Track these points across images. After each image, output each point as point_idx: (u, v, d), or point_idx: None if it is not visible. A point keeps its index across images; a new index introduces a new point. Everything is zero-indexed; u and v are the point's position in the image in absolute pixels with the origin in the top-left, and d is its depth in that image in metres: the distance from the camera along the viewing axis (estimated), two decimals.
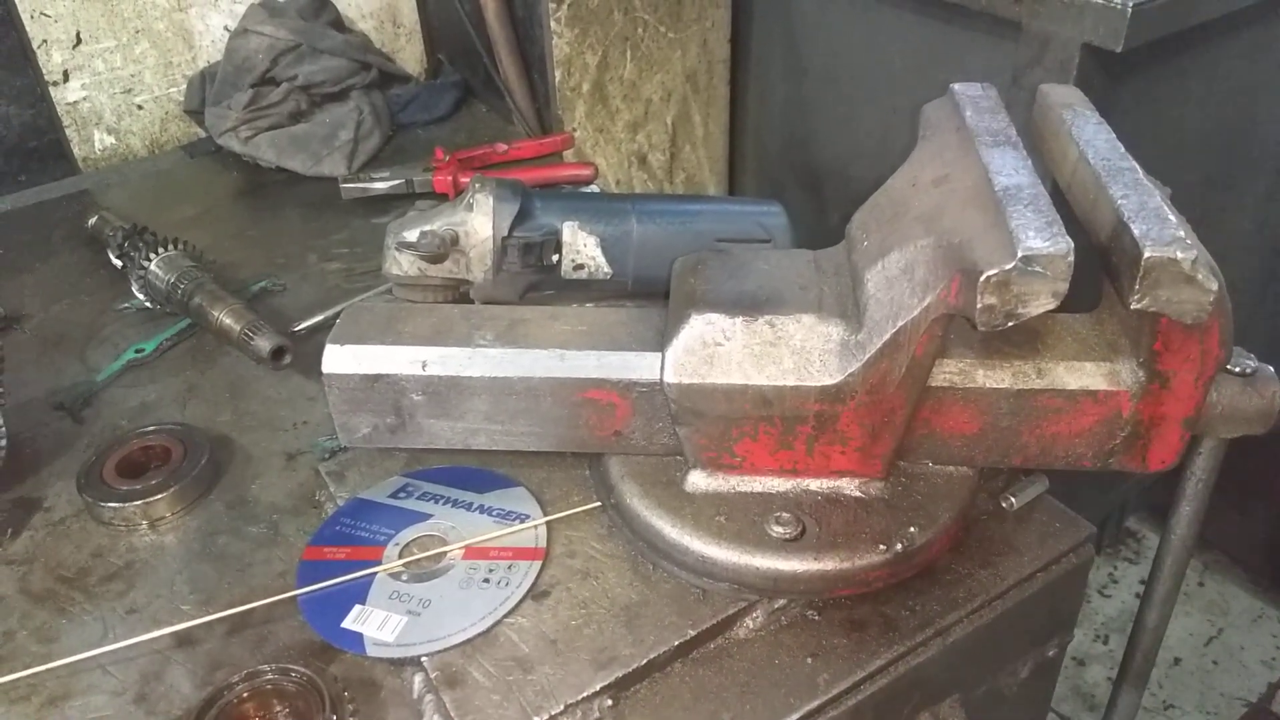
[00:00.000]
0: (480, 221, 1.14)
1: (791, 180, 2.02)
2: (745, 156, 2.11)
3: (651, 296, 0.98)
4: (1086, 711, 2.21)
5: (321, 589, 0.89)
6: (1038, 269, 0.67)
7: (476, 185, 1.17)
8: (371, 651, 0.84)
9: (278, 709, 0.81)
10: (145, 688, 0.86)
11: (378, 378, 0.92)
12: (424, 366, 0.92)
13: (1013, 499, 0.97)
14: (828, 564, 0.86)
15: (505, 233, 1.14)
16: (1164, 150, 1.66)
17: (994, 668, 0.98)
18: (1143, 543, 2.48)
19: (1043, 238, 0.68)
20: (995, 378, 0.86)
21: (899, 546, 0.87)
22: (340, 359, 0.93)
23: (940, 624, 0.88)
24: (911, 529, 0.88)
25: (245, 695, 0.81)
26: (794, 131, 1.97)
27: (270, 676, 0.81)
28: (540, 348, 0.92)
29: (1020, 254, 0.67)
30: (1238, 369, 0.87)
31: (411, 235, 1.14)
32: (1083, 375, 0.85)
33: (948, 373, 0.86)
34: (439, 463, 1.03)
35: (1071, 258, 0.68)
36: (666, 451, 0.95)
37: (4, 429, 1.07)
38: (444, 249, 1.13)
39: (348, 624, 0.86)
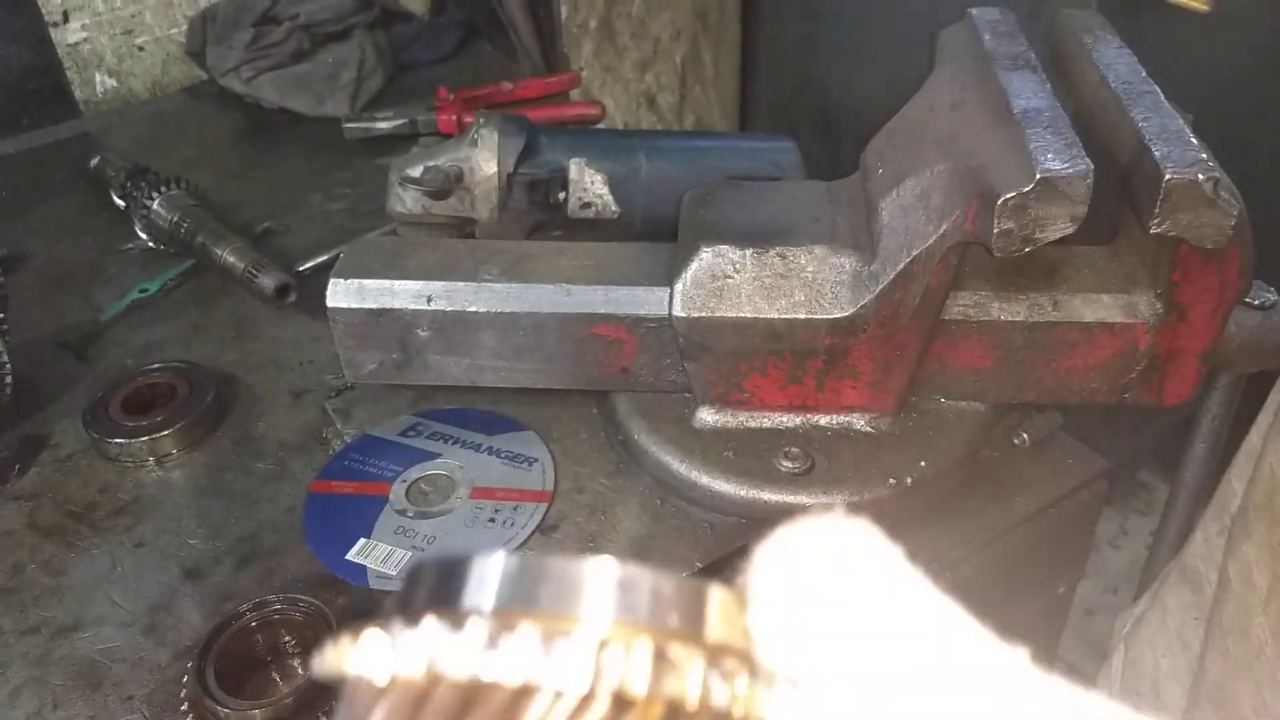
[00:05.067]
0: (485, 157, 1.13)
1: (805, 121, 1.98)
2: (757, 98, 2.07)
3: (661, 236, 0.96)
4: (1094, 660, 2.22)
5: (328, 522, 0.89)
6: (1057, 191, 0.65)
7: (481, 120, 1.15)
8: (374, 584, 0.84)
9: (285, 638, 0.82)
10: (154, 618, 0.86)
11: (383, 312, 0.91)
12: (429, 301, 0.91)
13: (1025, 435, 0.96)
14: (836, 498, 0.85)
15: (510, 170, 1.12)
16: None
17: (1002, 605, 0.98)
18: (1154, 494, 2.48)
19: (1062, 159, 0.67)
20: (1010, 310, 0.84)
21: (908, 481, 0.86)
22: (345, 293, 0.92)
23: (949, 558, 0.87)
24: (921, 463, 0.87)
25: (254, 625, 0.81)
26: (807, 71, 1.93)
27: (278, 607, 0.81)
28: (546, 282, 0.91)
29: (1039, 175, 0.65)
30: (1257, 301, 0.85)
31: (415, 171, 1.12)
32: (1099, 307, 0.83)
33: (962, 305, 0.85)
34: (448, 403, 1.02)
35: (1091, 179, 0.66)
36: (675, 388, 0.94)
37: (9, 366, 1.06)
38: (448, 185, 1.12)
39: (352, 556, 0.86)
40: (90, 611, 0.88)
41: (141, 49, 1.79)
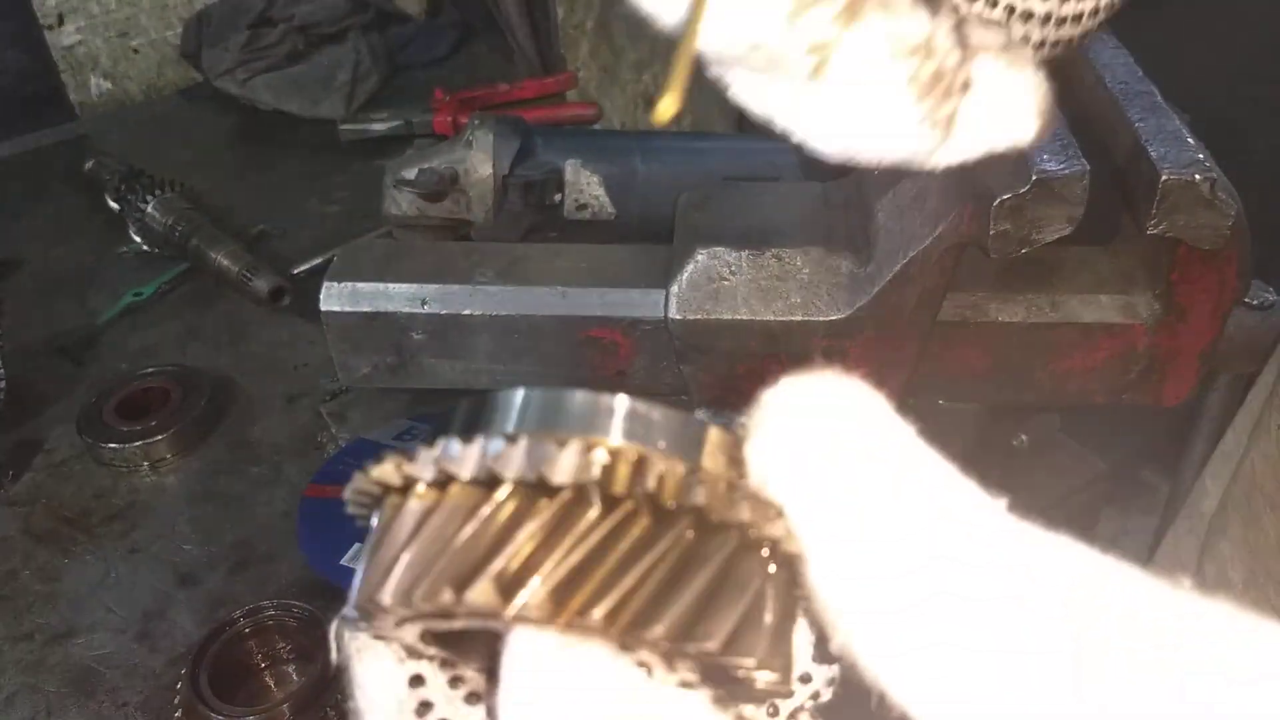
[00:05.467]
0: (480, 159, 1.12)
1: None
2: None
3: (658, 238, 0.95)
4: None
5: (322, 527, 0.89)
6: (1053, 192, 0.65)
7: (476, 122, 1.14)
8: None
9: (280, 645, 0.81)
10: (148, 625, 0.86)
11: (377, 316, 0.91)
12: (424, 304, 0.90)
13: (1024, 437, 0.95)
14: None
15: (506, 171, 1.12)
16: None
17: None
18: (1156, 495, 2.47)
19: (1058, 160, 0.66)
20: (1008, 311, 0.83)
21: None
22: (338, 297, 0.91)
23: None
24: None
25: (247, 632, 0.80)
26: None
27: (272, 613, 0.81)
28: (542, 285, 0.90)
29: (1035, 176, 0.65)
30: (1256, 302, 0.85)
31: (410, 173, 1.12)
32: (1097, 308, 0.82)
33: (959, 306, 0.84)
34: (444, 407, 1.01)
35: (1087, 180, 0.65)
36: (671, 391, 0.93)
37: (2, 371, 1.06)
38: (443, 187, 1.11)
39: (346, 561, 0.86)
40: (84, 618, 0.88)
41: (136, 51, 1.78)
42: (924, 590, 0.25)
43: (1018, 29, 0.34)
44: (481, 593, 0.24)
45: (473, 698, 0.30)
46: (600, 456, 0.26)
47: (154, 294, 1.24)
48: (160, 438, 1.00)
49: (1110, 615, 0.24)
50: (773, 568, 0.27)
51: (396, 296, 0.93)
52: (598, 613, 0.24)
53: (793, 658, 0.29)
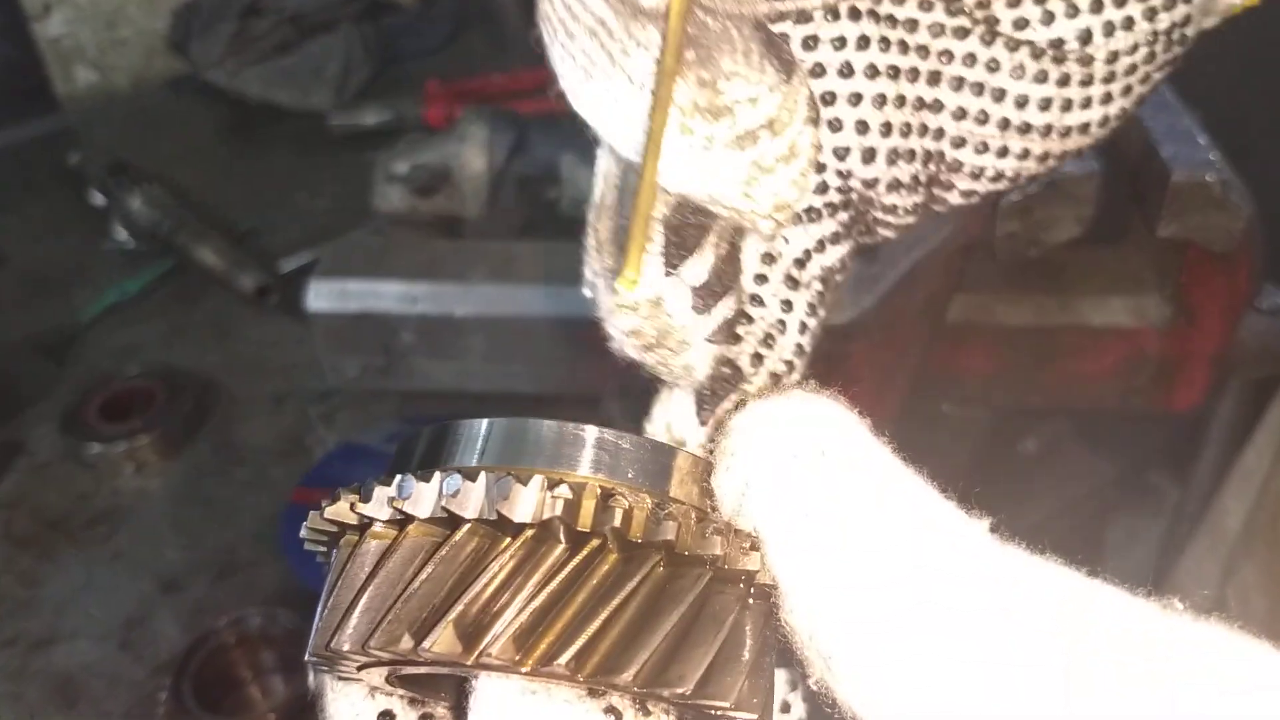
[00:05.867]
0: (473, 153, 1.10)
1: None
2: None
3: None
4: None
5: None
6: (1062, 192, 0.63)
7: (470, 116, 1.12)
8: None
9: (265, 655, 0.79)
10: (131, 633, 0.84)
11: (365, 315, 0.89)
12: (414, 303, 0.88)
13: (1031, 442, 0.93)
14: None
15: (500, 166, 1.10)
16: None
17: None
18: (1164, 498, 2.45)
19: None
20: (1016, 313, 0.82)
21: None
22: (326, 296, 0.90)
23: None
24: (924, 471, 0.85)
25: (232, 642, 0.78)
26: None
27: (257, 622, 0.79)
28: (536, 284, 0.88)
29: None
30: (1266, 306, 0.83)
31: (401, 168, 1.09)
32: (1106, 311, 0.81)
33: (965, 308, 0.82)
34: (434, 409, 0.99)
35: (1097, 180, 0.64)
36: None
37: None
38: (435, 182, 1.09)
39: None
40: (66, 624, 0.86)
41: (124, 42, 1.75)
42: (908, 601, 0.24)
43: (1014, 142, 0.34)
44: (442, 640, 0.24)
45: None
46: (563, 492, 0.25)
47: (139, 291, 1.21)
48: (144, 440, 0.98)
49: (1100, 629, 0.23)
50: (750, 601, 0.26)
51: (386, 296, 0.91)
52: (564, 658, 0.24)
53: (771, 693, 0.28)
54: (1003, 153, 0.35)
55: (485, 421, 0.27)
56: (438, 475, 0.25)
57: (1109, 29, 0.33)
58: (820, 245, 0.33)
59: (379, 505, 0.25)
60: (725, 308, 0.30)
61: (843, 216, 0.36)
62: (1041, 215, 0.64)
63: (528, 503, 0.24)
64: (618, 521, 0.25)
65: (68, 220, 1.40)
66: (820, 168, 0.34)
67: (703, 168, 0.28)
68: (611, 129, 0.30)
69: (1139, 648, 0.23)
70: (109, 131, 1.63)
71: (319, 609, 0.26)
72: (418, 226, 1.13)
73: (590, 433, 0.26)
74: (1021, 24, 0.33)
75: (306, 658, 0.27)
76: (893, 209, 0.36)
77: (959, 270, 0.77)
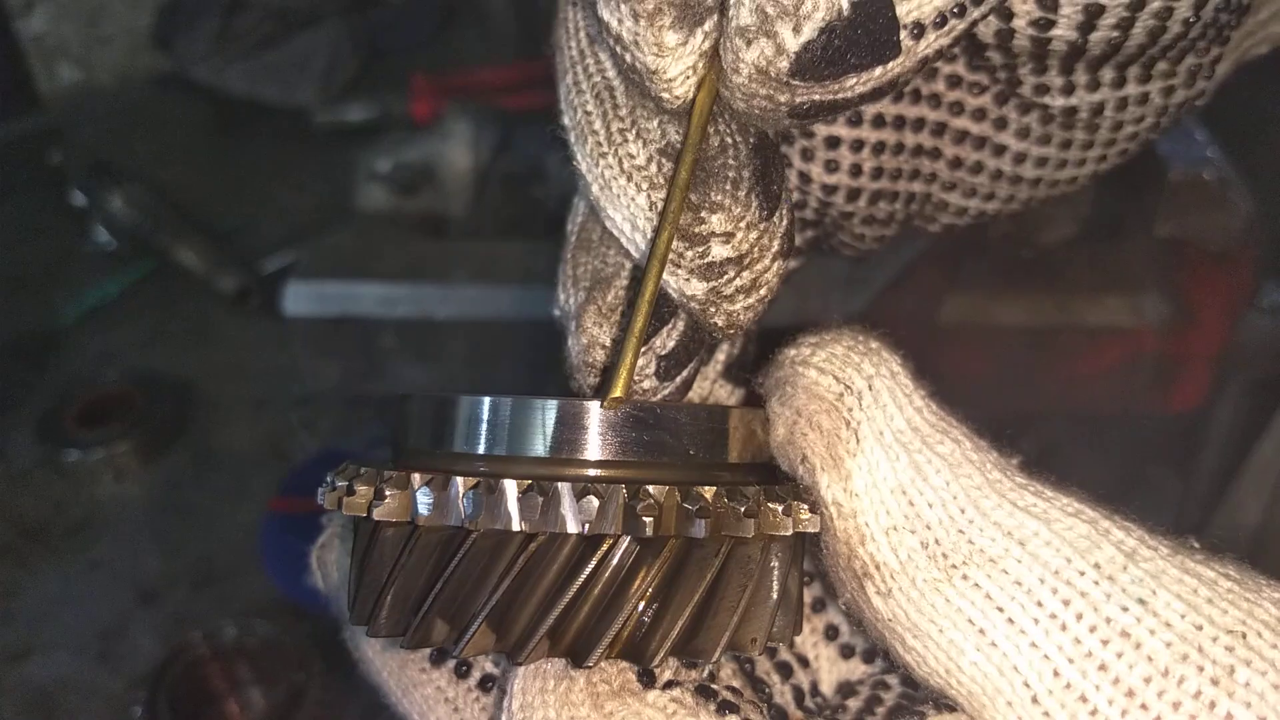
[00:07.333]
0: (458, 151, 1.07)
1: None
2: None
3: None
4: None
5: (286, 543, 0.84)
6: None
7: (454, 113, 1.10)
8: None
9: (242, 668, 0.77)
10: (107, 644, 0.82)
11: (345, 319, 0.87)
12: (395, 306, 0.86)
13: (1023, 447, 0.91)
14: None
15: (485, 163, 1.07)
16: None
17: None
18: (1165, 498, 2.44)
19: None
20: (1011, 314, 0.80)
21: None
22: (305, 299, 0.88)
23: None
24: None
25: (208, 655, 0.76)
26: None
27: (233, 634, 0.77)
28: (520, 286, 0.86)
29: None
30: (1266, 304, 0.81)
31: (384, 166, 1.07)
32: (1104, 310, 0.79)
33: (960, 309, 0.80)
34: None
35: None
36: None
37: None
38: (419, 181, 1.06)
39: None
40: (42, 636, 0.84)
41: (107, 39, 1.72)
42: (950, 528, 0.25)
43: (1003, 190, 0.35)
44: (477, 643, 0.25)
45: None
46: (648, 508, 0.24)
47: (119, 293, 1.19)
48: (123, 446, 0.95)
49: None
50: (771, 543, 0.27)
51: (366, 298, 0.88)
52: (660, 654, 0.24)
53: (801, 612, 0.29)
54: (989, 198, 0.36)
55: (538, 402, 0.26)
56: (512, 485, 0.24)
57: (1122, 104, 0.34)
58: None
59: (396, 508, 0.25)
60: (689, 370, 0.30)
61: (809, 234, 0.35)
62: (1036, 215, 0.62)
63: (561, 515, 0.24)
64: (702, 532, 0.25)
65: (48, 220, 1.37)
66: (803, 190, 0.34)
67: (669, 273, 0.29)
68: (596, 192, 0.30)
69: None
70: (92, 129, 1.61)
71: (349, 586, 0.27)
72: (402, 226, 1.11)
73: (648, 412, 0.26)
74: (1042, 90, 0.33)
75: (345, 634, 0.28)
76: (860, 238, 0.36)
77: (952, 271, 0.75)
